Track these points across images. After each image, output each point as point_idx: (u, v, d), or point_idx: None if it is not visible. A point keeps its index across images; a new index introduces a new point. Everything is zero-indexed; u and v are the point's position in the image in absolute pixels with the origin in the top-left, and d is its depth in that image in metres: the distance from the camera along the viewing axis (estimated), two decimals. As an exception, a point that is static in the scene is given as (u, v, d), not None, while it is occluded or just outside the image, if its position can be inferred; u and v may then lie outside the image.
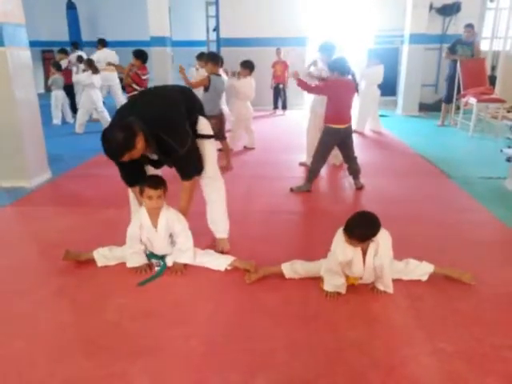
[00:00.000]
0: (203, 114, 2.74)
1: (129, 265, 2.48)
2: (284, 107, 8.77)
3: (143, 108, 2.38)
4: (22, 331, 1.98)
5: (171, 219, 2.44)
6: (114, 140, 2.13)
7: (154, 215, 2.43)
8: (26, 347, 1.88)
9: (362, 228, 2.11)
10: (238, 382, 1.68)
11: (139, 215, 2.46)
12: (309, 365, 1.77)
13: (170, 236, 2.49)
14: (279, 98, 8.77)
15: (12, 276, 2.48)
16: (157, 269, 2.49)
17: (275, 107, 8.82)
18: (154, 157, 2.45)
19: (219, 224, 2.81)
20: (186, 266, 2.49)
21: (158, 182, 2.38)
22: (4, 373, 1.74)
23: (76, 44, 8.94)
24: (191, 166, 2.55)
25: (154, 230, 2.44)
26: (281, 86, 8.65)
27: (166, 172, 2.66)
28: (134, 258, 2.47)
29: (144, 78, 5.68)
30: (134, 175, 2.51)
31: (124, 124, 2.20)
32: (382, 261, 2.15)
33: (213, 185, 2.74)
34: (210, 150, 2.67)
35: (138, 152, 2.23)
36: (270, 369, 1.75)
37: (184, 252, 2.47)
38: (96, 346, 1.88)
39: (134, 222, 2.49)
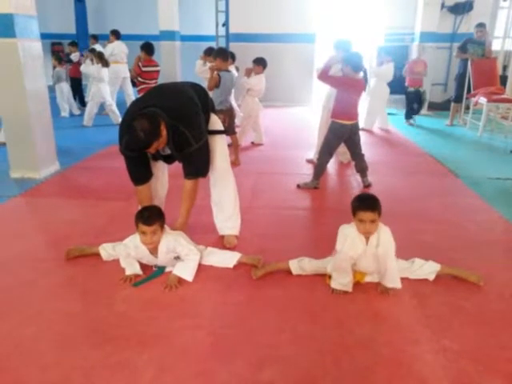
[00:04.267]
0: (214, 111, 2.74)
1: (126, 273, 2.33)
2: (408, 115, 7.15)
3: (160, 100, 2.37)
4: (31, 320, 2.01)
5: (171, 245, 2.27)
6: (142, 129, 2.12)
7: None
8: (33, 335, 1.90)
9: (369, 198, 2.21)
10: (244, 374, 1.69)
11: (135, 244, 2.28)
12: (315, 360, 1.78)
13: (175, 258, 2.33)
14: (414, 104, 7.08)
15: (21, 266, 2.50)
16: (154, 269, 2.42)
17: (411, 116, 7.18)
18: (167, 151, 2.45)
19: (229, 222, 2.77)
20: (181, 280, 2.29)
21: (152, 217, 2.20)
22: (13, 359, 1.76)
23: (96, 37, 8.84)
24: (200, 164, 2.52)
25: (154, 257, 2.33)
26: (421, 89, 7.07)
27: (173, 169, 2.67)
28: (130, 268, 2.34)
29: (147, 69, 5.69)
30: (143, 174, 2.51)
31: (148, 113, 2.20)
32: (386, 249, 2.16)
33: (224, 180, 2.70)
34: (221, 145, 2.66)
35: (163, 141, 2.23)
36: (275, 362, 1.76)
37: (185, 266, 2.31)
38: (103, 335, 1.90)
39: (127, 247, 2.31)
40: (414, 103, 7.07)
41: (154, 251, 2.31)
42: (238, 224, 2.81)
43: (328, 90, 4.50)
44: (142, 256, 2.35)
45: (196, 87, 2.67)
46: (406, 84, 7.14)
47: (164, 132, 2.22)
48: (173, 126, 2.26)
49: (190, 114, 2.38)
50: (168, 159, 2.55)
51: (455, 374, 1.70)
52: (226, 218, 2.77)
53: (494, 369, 1.73)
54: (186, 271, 2.30)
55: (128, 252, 2.34)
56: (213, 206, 2.81)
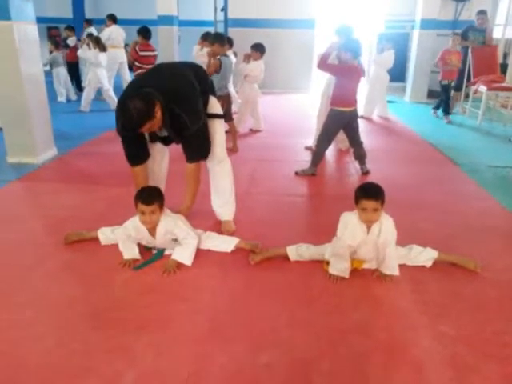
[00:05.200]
0: (214, 94, 2.71)
1: (124, 257, 2.34)
2: (446, 111, 6.48)
3: (157, 81, 2.34)
4: (30, 303, 2.01)
5: (170, 226, 2.29)
6: (135, 109, 2.10)
7: None
8: (33, 318, 1.91)
9: (373, 187, 2.20)
10: (242, 358, 1.70)
11: (134, 225, 2.29)
12: (311, 344, 1.79)
13: (173, 240, 2.35)
14: (449, 99, 6.56)
15: (20, 250, 2.50)
16: (154, 252, 2.43)
17: (449, 111, 6.57)
18: (164, 133, 2.43)
19: (226, 208, 2.78)
20: (179, 265, 2.30)
21: (152, 196, 2.21)
22: (12, 342, 1.77)
23: (89, 21, 8.72)
24: (199, 147, 2.51)
25: (153, 239, 2.34)
26: (453, 83, 6.50)
27: (173, 151, 2.65)
28: (128, 252, 2.35)
29: (144, 54, 5.63)
30: (140, 155, 2.50)
31: (142, 93, 2.18)
32: (387, 237, 2.16)
33: (221, 167, 2.71)
34: (219, 130, 2.65)
35: (157, 123, 2.22)
36: (273, 346, 1.77)
37: (183, 250, 2.32)
38: (102, 319, 1.91)
39: (127, 231, 2.32)
40: (449, 98, 6.55)
41: (152, 231, 2.31)
42: (233, 210, 2.83)
43: (328, 77, 4.47)
44: (141, 237, 2.35)
45: (195, 68, 2.64)
46: (440, 77, 6.50)
47: (159, 113, 2.19)
48: (169, 108, 2.23)
49: (187, 97, 2.36)
50: (165, 141, 2.53)
51: (451, 359, 1.72)
52: (223, 203, 2.78)
53: (489, 354, 1.75)
54: (184, 256, 2.31)
55: (127, 234, 2.34)
56: (212, 192, 2.81)
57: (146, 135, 2.48)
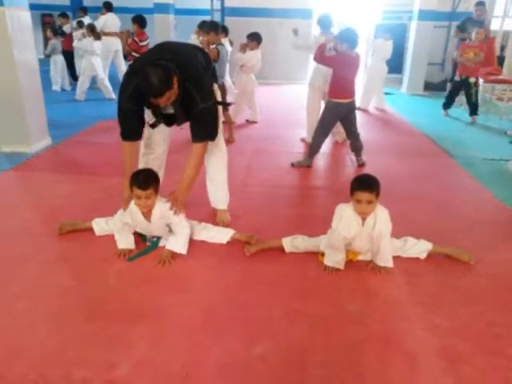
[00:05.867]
0: (216, 81, 2.70)
1: (119, 247, 2.35)
2: (474, 111, 5.93)
3: (169, 55, 2.28)
4: (24, 293, 2.00)
5: (165, 211, 2.29)
6: (156, 75, 2.05)
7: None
8: (27, 308, 1.90)
9: (367, 179, 2.19)
10: (237, 349, 1.71)
11: (129, 209, 2.30)
12: (306, 335, 1.80)
13: (167, 225, 2.37)
14: (470, 96, 5.90)
15: (14, 240, 2.49)
16: (148, 244, 2.43)
17: (449, 106, 6.30)
18: (170, 110, 2.36)
19: (219, 195, 2.79)
20: (174, 255, 2.32)
21: (147, 181, 2.20)
22: (5, 332, 1.76)
23: (84, 9, 8.58)
24: (208, 127, 2.43)
25: (148, 223, 2.33)
26: (471, 79, 5.81)
27: (172, 143, 2.62)
28: (123, 241, 2.36)
29: (142, 44, 5.55)
30: (134, 131, 2.43)
31: (161, 63, 2.14)
32: (382, 229, 2.16)
33: (216, 154, 2.70)
34: (219, 118, 2.63)
35: (173, 94, 2.18)
36: (267, 337, 1.78)
37: (177, 240, 2.32)
38: (97, 310, 1.91)
39: (122, 215, 2.33)
40: (457, 95, 6.16)
41: (147, 215, 2.31)
42: (227, 199, 2.82)
43: (315, 67, 4.44)
44: (136, 221, 2.34)
45: (202, 51, 2.63)
46: (459, 72, 6.02)
47: (176, 85, 2.16)
48: (181, 82, 2.20)
49: (199, 74, 2.33)
50: (169, 120, 2.45)
51: (444, 350, 1.73)
52: (217, 189, 2.79)
53: (482, 345, 1.77)
54: (178, 245, 2.31)
55: (124, 221, 2.34)
56: (207, 179, 2.81)
57: (146, 116, 2.43)
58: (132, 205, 2.29)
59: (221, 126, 2.68)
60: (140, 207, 2.26)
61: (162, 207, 2.29)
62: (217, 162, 2.73)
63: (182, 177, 2.45)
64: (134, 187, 2.20)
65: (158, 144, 2.73)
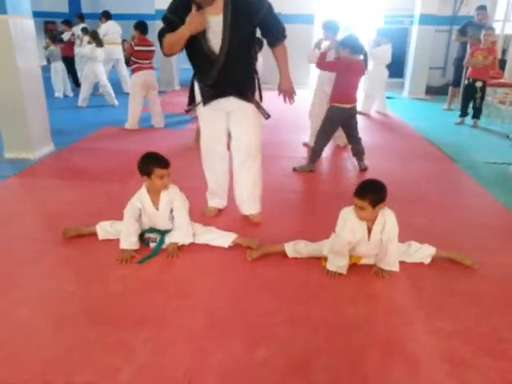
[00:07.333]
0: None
1: (121, 246, 2.38)
2: (477, 115, 5.90)
3: None
4: (28, 299, 2.01)
5: (172, 195, 2.40)
6: None
7: (155, 195, 2.38)
8: (30, 314, 1.90)
9: (366, 185, 2.15)
10: (240, 354, 1.71)
11: (140, 197, 2.40)
12: (309, 339, 1.80)
13: (171, 211, 2.44)
14: (474, 100, 5.85)
15: (17, 246, 2.49)
16: (152, 245, 2.44)
17: (465, 113, 6.05)
18: (215, 48, 2.36)
19: (251, 202, 2.83)
20: (181, 247, 2.42)
21: (165, 159, 2.36)
22: (9, 338, 1.77)
23: (81, 16, 8.68)
24: (279, 24, 2.50)
25: (155, 210, 2.40)
26: (478, 83, 5.75)
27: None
28: (126, 239, 2.39)
29: (140, 49, 5.57)
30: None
31: None
32: (390, 235, 2.15)
33: (252, 162, 2.72)
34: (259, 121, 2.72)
35: None
36: (270, 342, 1.77)
37: (178, 229, 2.41)
38: (100, 315, 1.91)
39: (134, 203, 2.40)
40: (469, 99, 5.95)
41: (156, 201, 2.38)
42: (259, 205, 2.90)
43: (319, 73, 4.46)
44: (144, 207, 2.39)
45: None
46: (468, 75, 5.99)
47: None
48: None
49: None
50: (209, 63, 2.39)
51: (447, 354, 1.72)
52: (250, 197, 2.84)
53: (485, 349, 1.76)
54: (182, 236, 2.42)
55: (134, 212, 2.39)
56: (236, 186, 2.83)
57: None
58: (142, 190, 2.39)
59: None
60: (163, 187, 2.35)
61: (169, 193, 2.39)
62: (252, 170, 2.76)
63: (281, 68, 2.69)
64: (156, 169, 2.28)
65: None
